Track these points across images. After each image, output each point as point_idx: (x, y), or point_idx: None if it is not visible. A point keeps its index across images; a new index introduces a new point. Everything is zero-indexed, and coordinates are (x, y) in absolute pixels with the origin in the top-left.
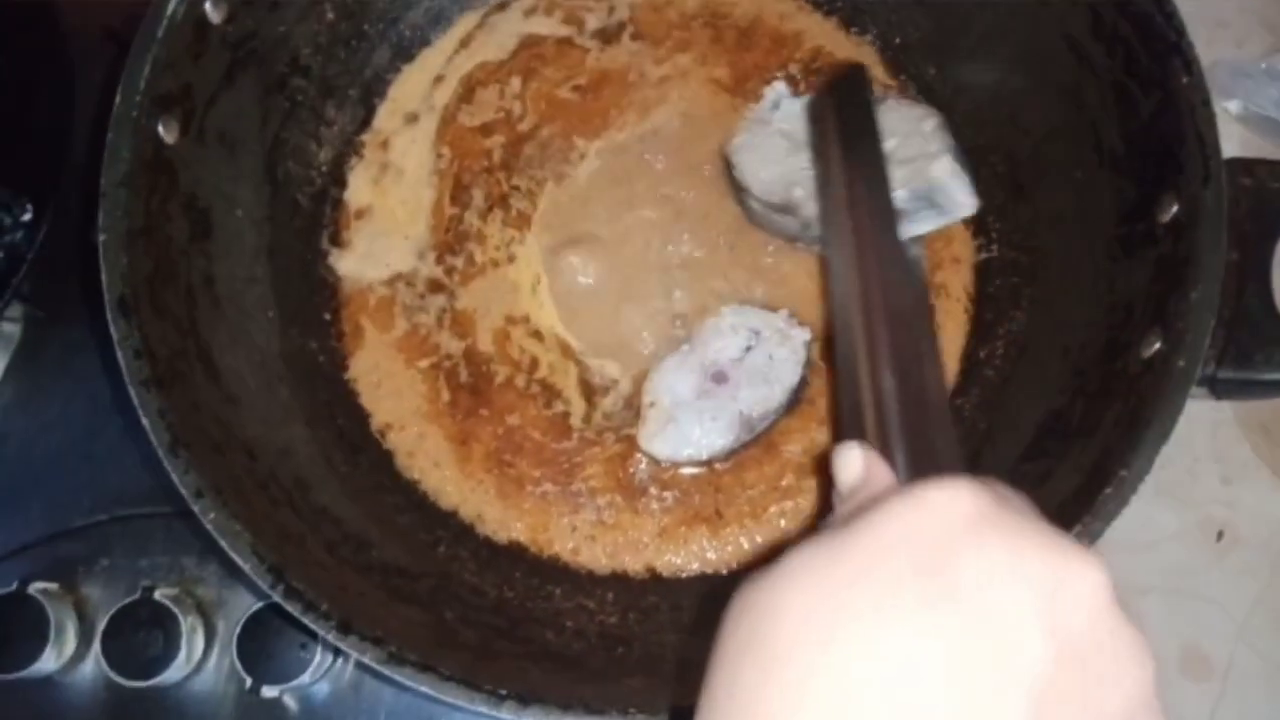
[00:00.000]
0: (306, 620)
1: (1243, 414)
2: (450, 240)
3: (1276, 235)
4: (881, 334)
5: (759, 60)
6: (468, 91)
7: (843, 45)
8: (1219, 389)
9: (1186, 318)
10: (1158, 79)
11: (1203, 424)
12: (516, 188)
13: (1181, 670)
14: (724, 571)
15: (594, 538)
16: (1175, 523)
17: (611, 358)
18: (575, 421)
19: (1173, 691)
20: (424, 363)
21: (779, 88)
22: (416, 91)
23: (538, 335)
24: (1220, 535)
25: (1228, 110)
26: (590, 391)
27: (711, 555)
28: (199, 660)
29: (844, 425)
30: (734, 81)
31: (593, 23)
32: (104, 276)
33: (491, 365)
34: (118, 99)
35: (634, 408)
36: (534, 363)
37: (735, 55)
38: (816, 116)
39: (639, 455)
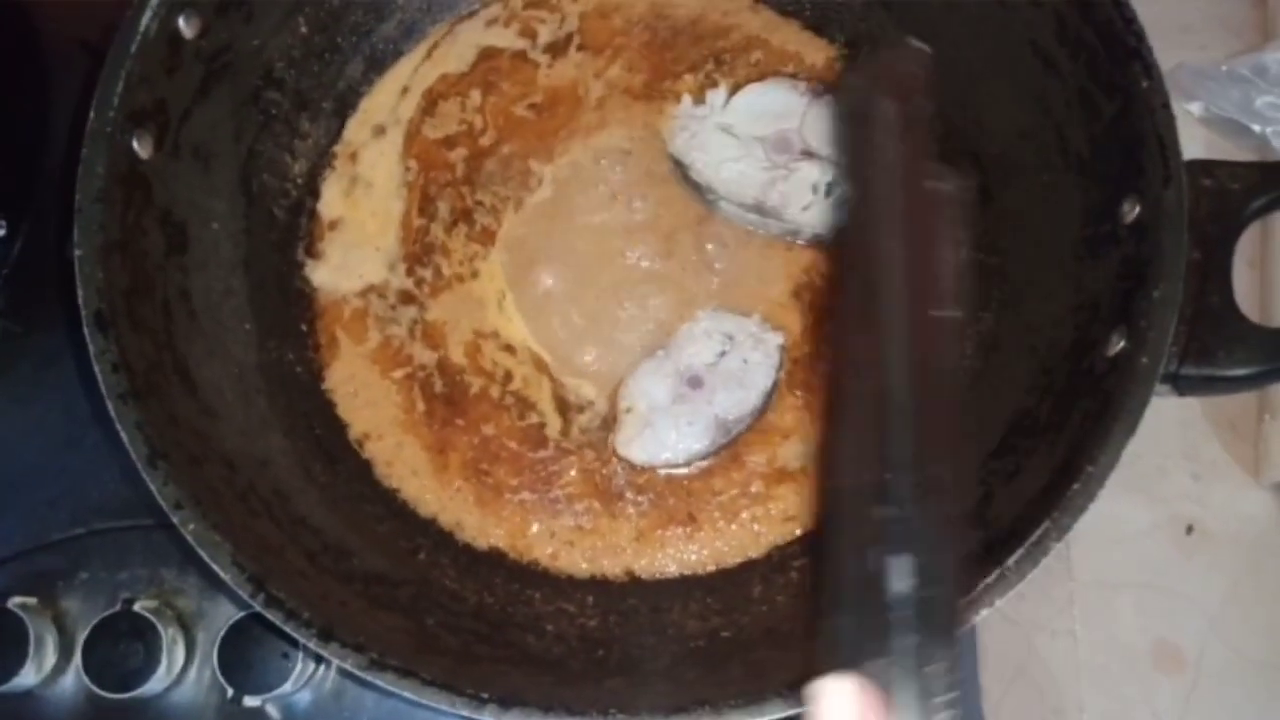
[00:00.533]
0: (288, 629)
1: (1211, 411)
2: (419, 252)
3: (1237, 235)
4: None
5: (690, 55)
6: (430, 104)
7: (806, 46)
8: (1182, 385)
9: (1149, 316)
10: (1119, 84)
11: (1172, 422)
12: (480, 203)
13: (1154, 664)
14: (700, 573)
15: (572, 543)
16: (1146, 519)
17: (586, 375)
18: (551, 433)
19: (1146, 685)
20: (399, 373)
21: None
22: (385, 103)
23: (509, 349)
24: (1190, 530)
25: (1190, 113)
26: (566, 408)
27: (688, 557)
28: (180, 672)
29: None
30: (658, 80)
31: (544, 35)
32: (80, 291)
33: (465, 376)
34: (92, 114)
35: (610, 424)
36: (507, 375)
37: (661, 54)
38: (851, 117)
39: (615, 462)
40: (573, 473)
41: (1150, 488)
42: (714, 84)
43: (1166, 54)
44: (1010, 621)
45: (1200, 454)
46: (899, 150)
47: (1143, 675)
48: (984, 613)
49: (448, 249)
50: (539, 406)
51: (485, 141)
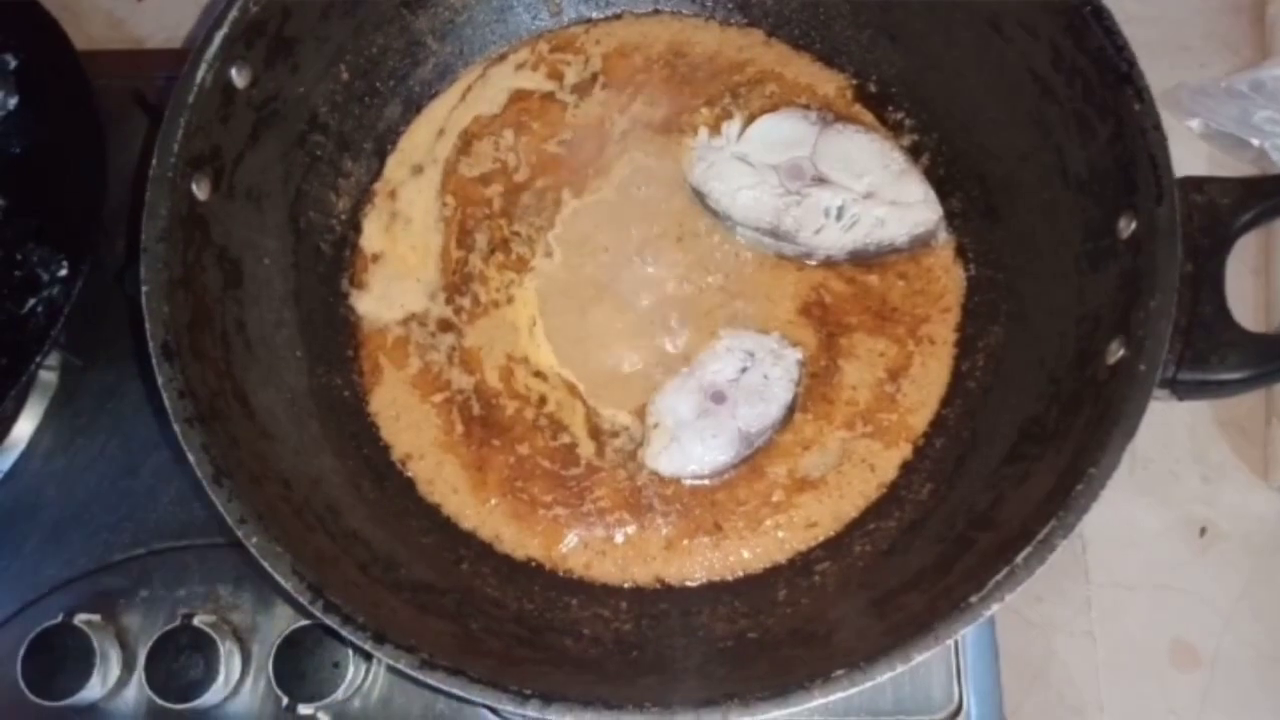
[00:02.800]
0: (345, 633)
1: (1220, 416)
2: (458, 282)
3: (1228, 247)
4: None
5: (707, 89)
6: (465, 144)
7: (817, 78)
8: (1180, 390)
9: (1146, 325)
10: (1113, 107)
11: (1182, 427)
12: (517, 233)
13: (1171, 662)
14: (728, 578)
15: (604, 553)
16: (1159, 521)
17: (612, 395)
18: (584, 453)
19: (1163, 683)
20: (438, 397)
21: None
22: (422, 143)
23: (540, 375)
24: (1203, 532)
25: (1191, 129)
26: (599, 433)
27: (715, 564)
28: (237, 682)
29: None
30: (678, 114)
31: (571, 76)
32: (147, 324)
33: (500, 399)
34: (154, 161)
35: (640, 444)
36: (541, 399)
37: (680, 89)
38: None
39: (645, 475)
40: (603, 489)
41: (1163, 491)
42: (729, 116)
43: (1167, 73)
44: (1029, 623)
45: (1210, 458)
46: None
47: (1160, 673)
48: (995, 607)
49: (485, 277)
50: (571, 429)
51: (519, 178)
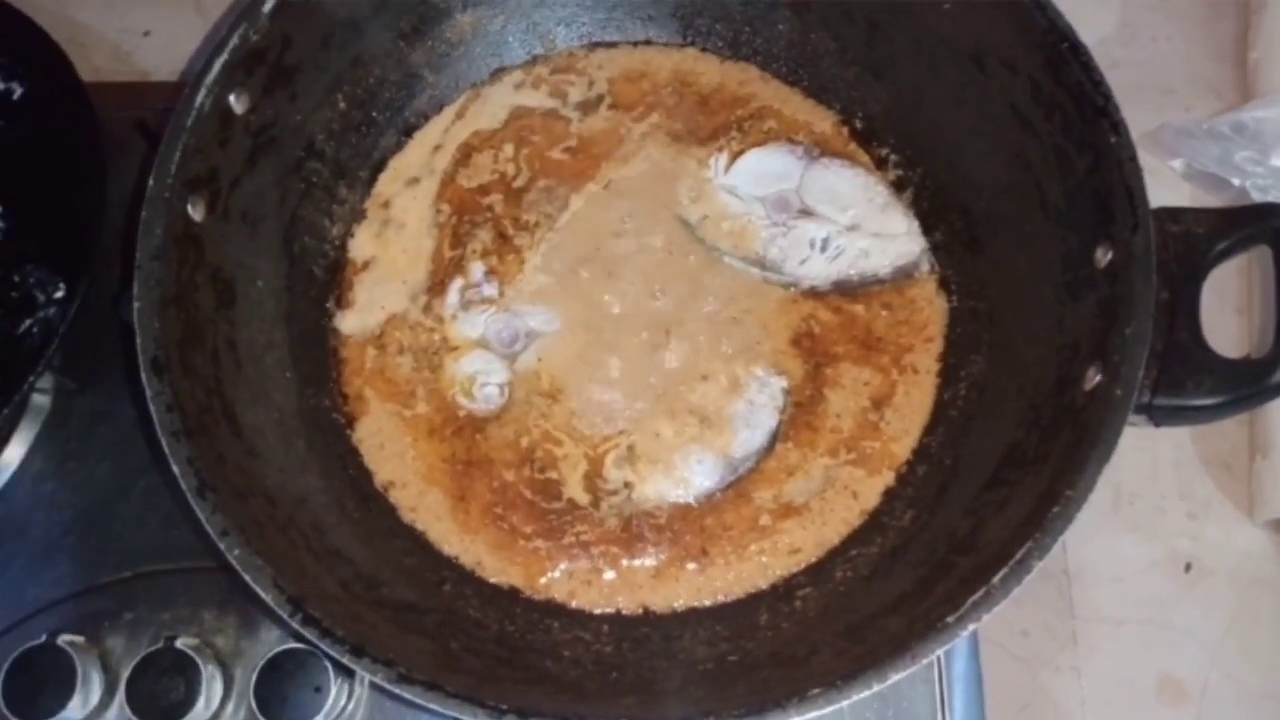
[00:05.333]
0: (324, 646)
1: (1205, 452)
2: (445, 282)
3: (1203, 275)
4: None
5: (715, 121)
6: (464, 156)
7: (812, 114)
8: (1156, 416)
9: (1122, 351)
10: (1090, 140)
11: (1167, 463)
12: (511, 246)
13: (1157, 698)
14: (711, 603)
15: (590, 583)
16: (1145, 557)
17: (597, 416)
18: (570, 493)
19: (1150, 719)
20: (423, 427)
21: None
22: (417, 160)
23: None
24: (1189, 567)
25: (1174, 169)
26: (595, 489)
27: (701, 590)
28: (218, 706)
29: None
30: (691, 137)
31: (575, 95)
32: (138, 339)
33: (487, 429)
34: (151, 181)
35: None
36: (526, 428)
37: (692, 118)
38: None
39: (636, 510)
40: (586, 524)
41: (1148, 527)
42: (722, 149)
43: (1152, 115)
44: (1015, 658)
45: (1195, 493)
46: None
47: (1146, 709)
48: (971, 627)
49: (470, 280)
50: (559, 466)
51: (519, 184)
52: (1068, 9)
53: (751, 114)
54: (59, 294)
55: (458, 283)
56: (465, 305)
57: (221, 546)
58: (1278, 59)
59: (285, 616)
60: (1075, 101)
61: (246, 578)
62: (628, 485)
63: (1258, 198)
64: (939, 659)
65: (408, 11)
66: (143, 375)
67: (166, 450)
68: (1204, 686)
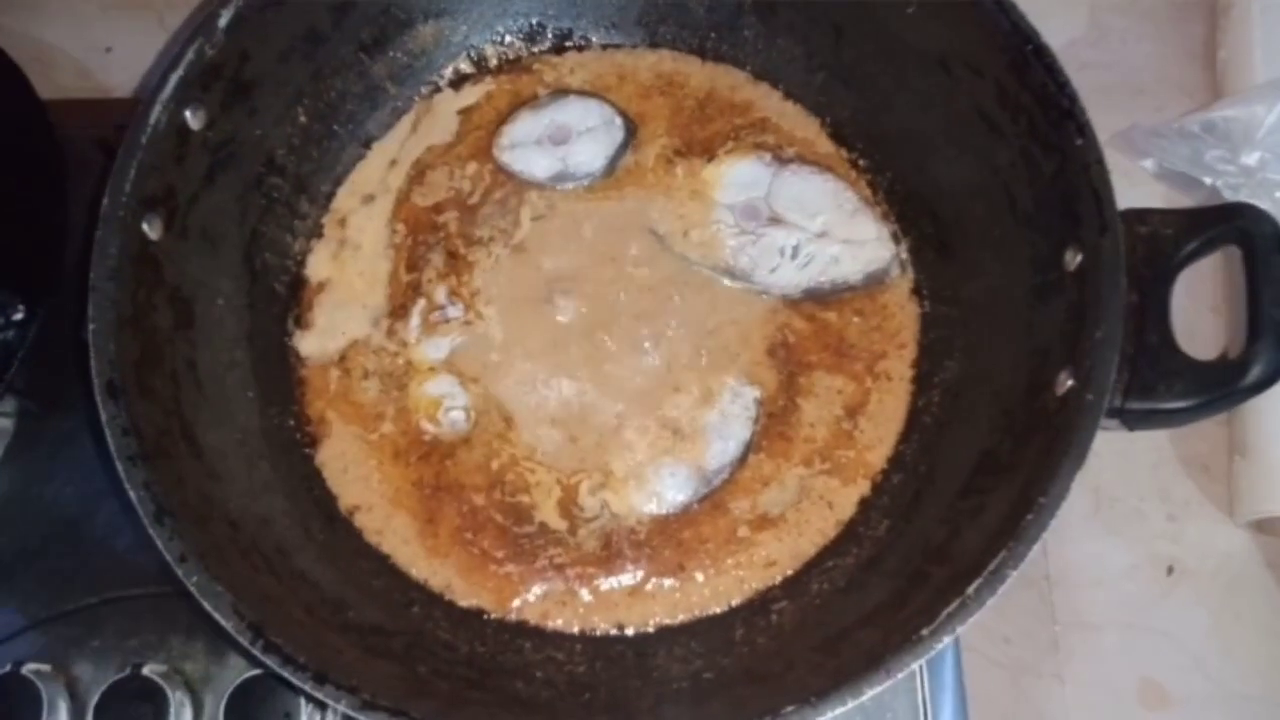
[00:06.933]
0: (285, 673)
1: (1184, 453)
2: (406, 305)
3: (1172, 277)
4: None
5: (715, 127)
6: (419, 174)
7: (788, 117)
8: (1128, 419)
9: (1093, 355)
10: (1056, 143)
11: (1146, 465)
12: (468, 264)
13: (1140, 702)
14: (686, 619)
15: (564, 604)
16: (1126, 560)
17: (563, 432)
18: (542, 517)
19: None
20: (388, 449)
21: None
22: (374, 175)
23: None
24: (1170, 570)
25: (1145, 169)
26: (570, 514)
27: (677, 606)
28: None
29: None
30: (687, 147)
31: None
32: (93, 362)
33: (456, 453)
34: (105, 199)
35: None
36: (495, 452)
37: (689, 125)
38: None
39: (616, 526)
40: (559, 548)
41: (1128, 530)
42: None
43: (1122, 115)
44: (997, 665)
45: (1175, 495)
46: None
47: (1129, 713)
48: (947, 639)
49: (433, 302)
50: (533, 493)
51: (474, 200)
52: (1036, 12)
53: (750, 123)
54: (18, 316)
55: (420, 305)
56: (429, 328)
57: (180, 573)
58: (1246, 58)
59: (246, 644)
60: (1041, 104)
61: (206, 605)
62: (605, 506)
63: (1229, 196)
64: (921, 668)
65: (369, 23)
66: (98, 399)
67: (122, 475)
68: (1187, 689)
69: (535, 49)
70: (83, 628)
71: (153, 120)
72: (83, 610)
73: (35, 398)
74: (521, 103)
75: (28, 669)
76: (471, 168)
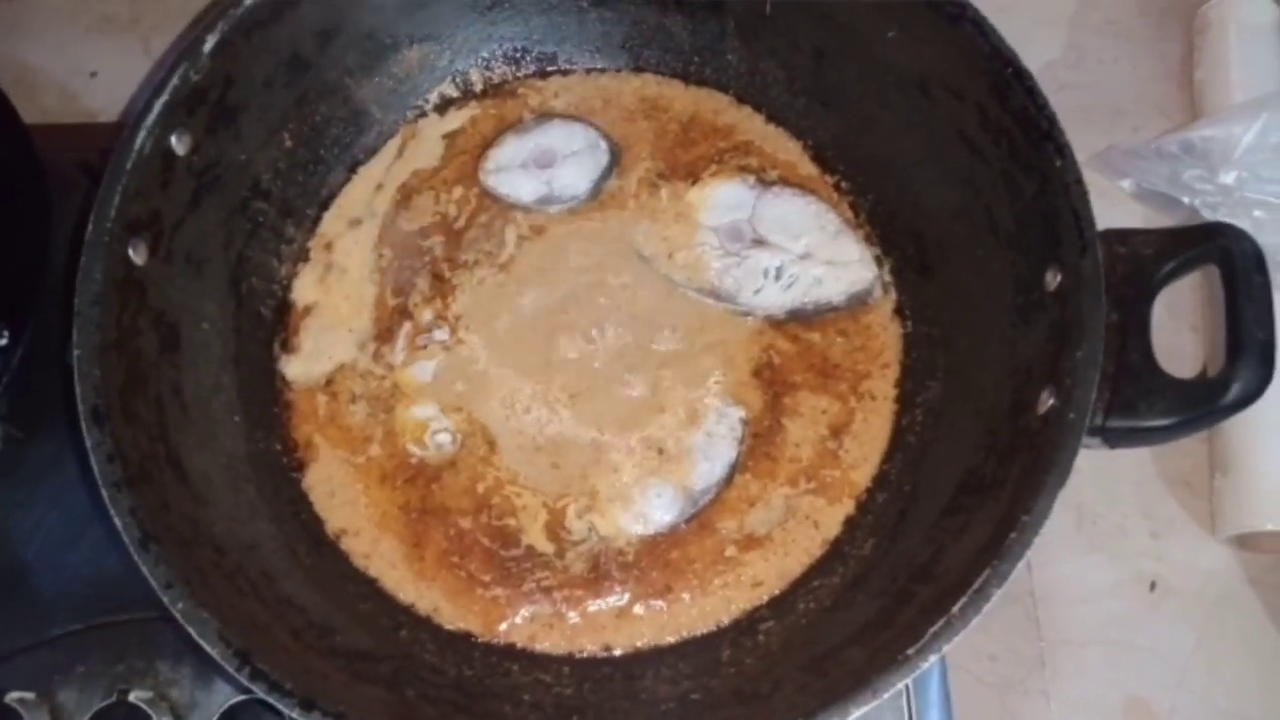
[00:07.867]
0: (271, 699)
1: (1166, 471)
2: (392, 329)
3: (1152, 296)
4: None
5: (699, 150)
6: (405, 198)
7: (771, 140)
8: (1110, 438)
9: (1074, 374)
10: (1036, 164)
11: (1128, 482)
12: (453, 288)
13: (1126, 717)
14: (674, 640)
15: (552, 626)
16: (1109, 577)
17: (558, 484)
18: (529, 540)
19: None
20: (374, 473)
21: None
22: (360, 199)
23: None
24: (1153, 586)
25: (1124, 189)
26: (558, 537)
27: (665, 627)
28: None
29: None
30: (671, 170)
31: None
32: (78, 388)
33: (442, 477)
34: (90, 224)
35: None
36: (481, 475)
37: (673, 149)
38: None
39: (604, 548)
40: (546, 570)
41: (1112, 547)
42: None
43: (1100, 136)
44: (982, 683)
45: (1158, 512)
46: None
47: None
48: (933, 659)
49: (419, 325)
50: (519, 516)
51: (460, 224)
52: (1015, 34)
53: (734, 146)
54: (2, 341)
55: (406, 328)
56: (415, 351)
57: (166, 599)
58: (1223, 78)
59: (232, 670)
60: (1021, 126)
61: (191, 631)
62: (593, 528)
63: (1208, 215)
64: (907, 686)
65: (354, 48)
66: (82, 424)
67: (108, 501)
68: (1172, 706)
69: (520, 73)
70: (67, 654)
71: (137, 145)
72: (67, 636)
73: (19, 423)
74: (506, 127)
75: (11, 697)
76: (457, 191)
